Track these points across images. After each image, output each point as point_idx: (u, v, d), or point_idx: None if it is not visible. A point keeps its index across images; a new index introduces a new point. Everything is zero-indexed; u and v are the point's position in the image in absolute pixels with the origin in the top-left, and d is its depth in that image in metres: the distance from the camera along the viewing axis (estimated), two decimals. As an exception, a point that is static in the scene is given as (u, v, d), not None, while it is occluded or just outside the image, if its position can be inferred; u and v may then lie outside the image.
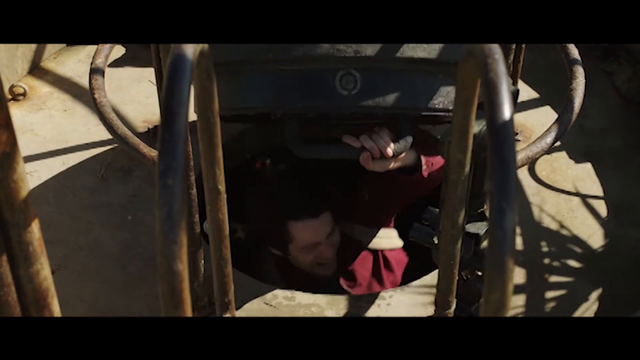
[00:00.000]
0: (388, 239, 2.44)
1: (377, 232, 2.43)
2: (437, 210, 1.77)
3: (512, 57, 2.05)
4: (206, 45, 1.17)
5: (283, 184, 2.30)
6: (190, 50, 1.06)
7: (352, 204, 2.44)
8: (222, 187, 1.47)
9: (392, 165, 2.01)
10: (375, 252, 2.45)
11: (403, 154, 2.00)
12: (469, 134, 1.38)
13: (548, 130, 2.04)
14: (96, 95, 2.14)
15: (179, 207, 0.98)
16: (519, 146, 2.62)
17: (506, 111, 1.00)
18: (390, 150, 1.94)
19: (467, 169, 1.42)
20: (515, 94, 1.68)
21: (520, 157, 1.97)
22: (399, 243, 2.50)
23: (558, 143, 2.86)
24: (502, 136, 0.99)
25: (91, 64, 2.25)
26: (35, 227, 1.24)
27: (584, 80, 2.18)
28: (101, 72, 2.22)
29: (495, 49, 1.07)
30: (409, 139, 1.98)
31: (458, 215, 1.49)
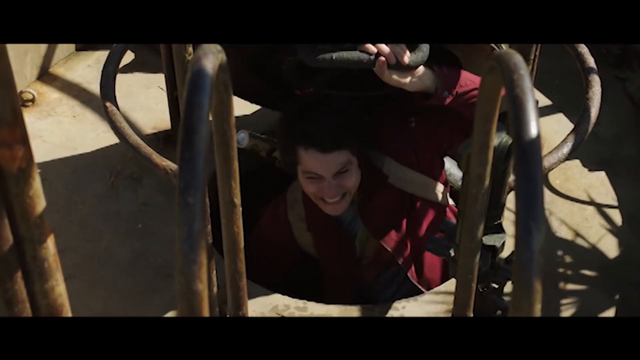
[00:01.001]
0: (423, 185, 2.28)
1: (413, 175, 2.28)
2: (454, 221, 1.74)
3: (530, 67, 2.02)
4: (225, 59, 1.15)
5: (311, 109, 2.16)
6: (210, 65, 1.05)
7: (390, 140, 2.29)
8: (237, 200, 1.45)
9: (409, 80, 1.95)
10: (405, 195, 2.29)
11: (421, 71, 1.95)
12: (490, 147, 1.36)
13: (564, 141, 2.02)
14: (107, 104, 2.12)
15: (199, 226, 0.96)
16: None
17: (533, 128, 0.98)
18: (406, 58, 1.89)
19: (487, 182, 1.40)
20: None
21: (537, 167, 1.94)
22: (434, 196, 2.32)
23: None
24: (529, 154, 0.97)
25: (102, 70, 2.23)
26: (50, 243, 1.23)
27: (600, 90, 2.15)
28: (112, 79, 2.20)
29: (521, 64, 1.05)
30: (426, 49, 1.92)
31: (477, 229, 1.46)
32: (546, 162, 1.97)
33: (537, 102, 1.77)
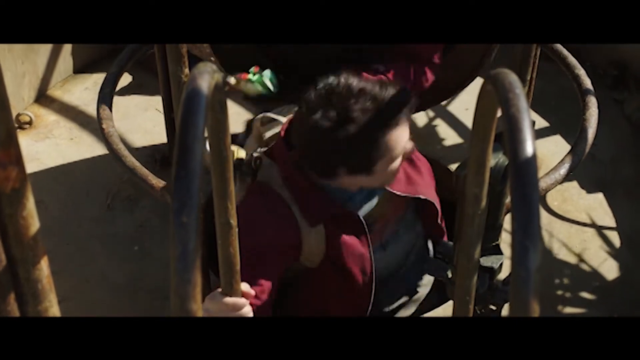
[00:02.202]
0: None
1: None
2: (451, 243, 1.74)
3: (526, 88, 2.02)
4: (221, 79, 1.15)
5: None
6: (205, 84, 1.04)
7: None
8: (233, 222, 1.44)
9: None
10: None
11: None
12: (486, 168, 1.35)
13: (562, 162, 2.02)
14: (104, 126, 2.12)
15: (193, 245, 0.96)
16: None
17: (529, 148, 0.98)
18: None
19: (484, 203, 1.39)
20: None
21: (534, 188, 1.93)
22: None
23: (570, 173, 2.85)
24: (525, 174, 0.97)
25: (99, 92, 2.23)
26: (44, 265, 1.22)
27: (597, 111, 2.16)
28: (109, 102, 2.20)
29: (516, 83, 1.05)
30: None
31: (474, 250, 1.45)
32: (543, 183, 1.96)
33: (533, 122, 1.77)
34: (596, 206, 2.71)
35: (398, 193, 2.05)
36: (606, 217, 2.67)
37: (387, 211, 2.10)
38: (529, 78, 1.98)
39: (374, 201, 2.06)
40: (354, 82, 1.81)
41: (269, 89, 2.26)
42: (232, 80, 2.20)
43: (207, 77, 1.06)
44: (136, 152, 2.93)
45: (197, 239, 0.97)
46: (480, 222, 1.44)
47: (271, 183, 1.94)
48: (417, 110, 2.53)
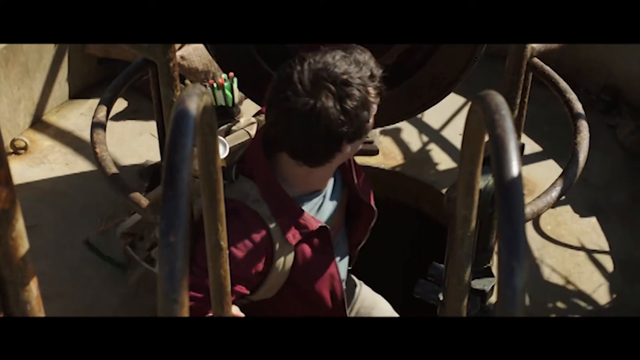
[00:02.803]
0: None
1: None
2: (442, 265, 1.74)
3: (516, 111, 2.04)
4: (209, 100, 1.16)
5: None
6: (194, 105, 1.05)
7: None
8: (224, 243, 1.44)
9: None
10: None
11: None
12: (475, 189, 1.35)
13: (553, 185, 2.02)
14: (97, 150, 2.12)
15: (181, 265, 0.96)
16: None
17: (514, 168, 0.99)
18: None
19: (473, 224, 1.40)
20: (520, 149, 1.67)
21: (525, 211, 1.94)
22: None
23: (562, 197, 2.86)
24: (510, 194, 0.97)
25: (93, 117, 2.24)
26: (33, 286, 1.22)
27: (588, 135, 2.16)
28: (103, 126, 2.20)
29: (503, 104, 1.06)
30: None
31: (464, 272, 1.45)
32: (535, 207, 1.97)
33: (523, 145, 1.78)
34: (589, 230, 2.72)
35: (360, 196, 2.11)
36: (599, 242, 2.68)
37: (337, 220, 2.13)
38: (518, 102, 1.99)
39: (334, 204, 2.08)
40: (320, 55, 1.83)
41: (227, 100, 2.16)
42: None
43: (195, 98, 1.07)
44: (130, 176, 2.93)
45: (185, 258, 0.97)
46: (470, 244, 1.44)
47: (246, 200, 1.91)
48: (417, 112, 2.53)
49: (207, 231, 1.44)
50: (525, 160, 3.02)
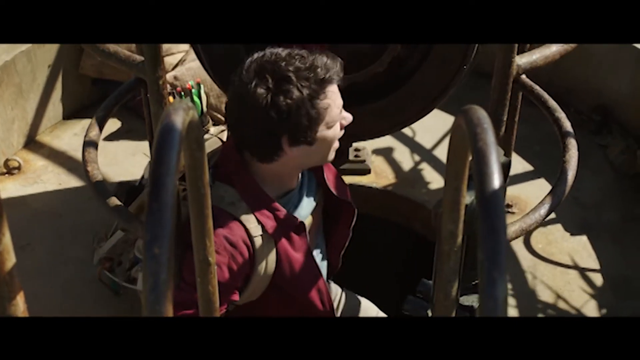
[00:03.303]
0: None
1: None
2: (430, 282, 1.75)
3: (503, 128, 2.05)
4: (196, 115, 1.17)
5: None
6: (179, 120, 1.06)
7: None
8: (212, 259, 1.45)
9: None
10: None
11: None
12: (461, 204, 1.36)
13: (542, 202, 2.03)
14: (89, 168, 2.13)
15: (165, 277, 0.97)
16: (514, 218, 2.61)
17: (496, 180, 1.00)
18: None
19: (459, 240, 1.41)
20: (506, 165, 1.68)
21: (514, 228, 1.96)
22: None
23: (553, 216, 2.87)
24: (491, 205, 0.98)
25: (84, 136, 2.25)
26: (20, 300, 1.22)
27: (577, 153, 2.17)
28: (94, 145, 2.22)
29: (485, 118, 1.07)
30: None
31: (451, 287, 1.46)
32: (523, 224, 1.98)
33: (509, 161, 1.79)
34: (580, 249, 2.73)
35: (335, 194, 2.10)
36: (590, 260, 2.69)
37: (315, 220, 2.13)
38: (505, 119, 2.01)
39: (311, 205, 2.08)
40: (281, 50, 1.84)
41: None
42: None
43: (181, 113, 1.08)
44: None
45: (169, 270, 0.98)
46: (456, 259, 1.45)
47: (220, 203, 1.91)
48: (408, 124, 2.55)
49: (195, 247, 1.44)
50: (517, 179, 3.04)
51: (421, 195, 2.97)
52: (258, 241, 1.90)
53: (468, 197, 1.53)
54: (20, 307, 1.20)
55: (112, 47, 1.76)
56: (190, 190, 1.36)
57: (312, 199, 2.09)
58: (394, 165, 3.11)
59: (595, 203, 2.94)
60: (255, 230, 1.91)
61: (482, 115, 1.09)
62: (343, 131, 1.93)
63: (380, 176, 3.06)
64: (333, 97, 1.85)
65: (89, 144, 2.22)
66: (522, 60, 1.84)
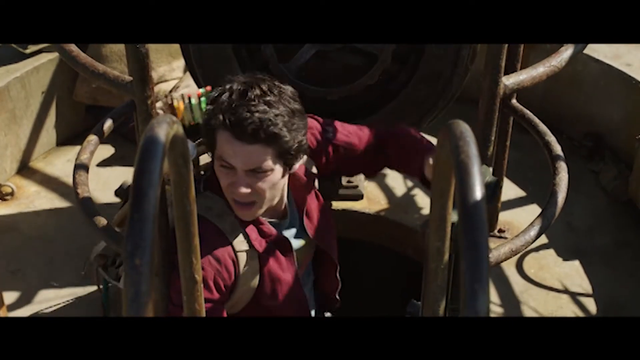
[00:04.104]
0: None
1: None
2: (419, 303, 1.74)
3: (491, 148, 2.05)
4: (181, 130, 1.18)
5: (245, 93, 1.85)
6: (163, 132, 1.06)
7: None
8: (198, 277, 1.45)
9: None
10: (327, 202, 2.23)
11: None
12: (447, 222, 1.36)
13: (532, 224, 2.03)
14: (79, 190, 2.13)
15: (146, 288, 0.96)
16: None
17: (477, 192, 1.00)
18: None
19: (446, 257, 1.40)
20: (496, 185, 1.68)
21: (504, 250, 1.96)
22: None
23: (545, 240, 2.87)
24: (473, 217, 0.98)
25: (76, 159, 2.25)
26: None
27: (567, 176, 2.18)
28: (86, 168, 2.22)
29: (467, 132, 1.07)
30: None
31: (439, 305, 1.46)
32: (513, 246, 1.97)
33: (498, 181, 1.79)
34: (572, 273, 2.72)
35: (316, 242, 2.12)
36: (582, 284, 2.68)
37: (306, 258, 2.16)
38: (493, 138, 2.01)
39: (301, 242, 2.10)
40: (265, 81, 1.87)
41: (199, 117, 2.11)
42: (175, 102, 2.10)
43: (165, 126, 1.08)
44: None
45: (150, 281, 0.98)
46: (444, 277, 1.45)
47: (207, 214, 1.93)
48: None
49: (181, 264, 1.44)
50: (509, 204, 3.04)
51: (414, 220, 2.97)
52: (242, 256, 1.92)
53: (455, 216, 1.53)
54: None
55: (101, 67, 1.77)
56: (176, 207, 1.36)
57: (300, 239, 2.11)
58: (387, 191, 3.11)
59: (587, 228, 2.94)
60: (241, 245, 1.92)
61: (464, 128, 1.09)
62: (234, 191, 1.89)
63: (372, 202, 3.06)
64: (222, 142, 1.86)
65: (80, 167, 2.22)
66: (510, 80, 1.85)
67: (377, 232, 3.06)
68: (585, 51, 3.36)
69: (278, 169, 1.89)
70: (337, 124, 2.14)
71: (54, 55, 3.35)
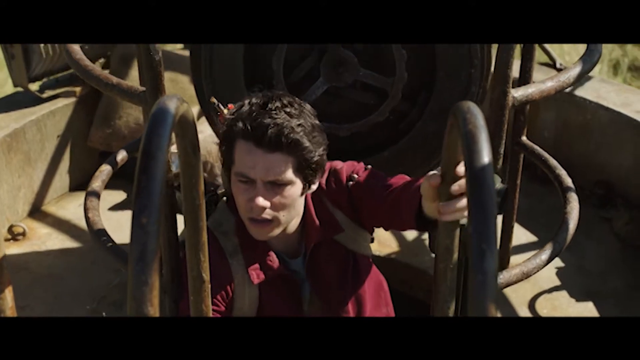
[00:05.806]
0: (362, 240, 2.03)
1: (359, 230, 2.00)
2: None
3: (501, 160, 2.03)
4: (191, 112, 1.19)
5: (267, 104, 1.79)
6: (173, 105, 1.08)
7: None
8: (206, 276, 1.43)
9: None
10: (349, 252, 2.01)
11: None
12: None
13: (543, 249, 2.02)
14: (90, 215, 2.14)
15: (152, 247, 0.96)
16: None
17: (485, 157, 1.00)
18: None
19: (455, 256, 1.39)
20: (504, 192, 1.67)
21: (515, 272, 1.94)
22: (368, 250, 2.08)
23: (558, 282, 2.84)
24: (481, 180, 0.98)
25: (87, 188, 2.27)
26: (8, 294, 1.22)
27: (577, 205, 2.18)
28: (97, 195, 2.23)
29: (474, 108, 1.08)
30: None
31: (448, 307, 1.44)
32: (525, 268, 1.96)
33: (506, 188, 1.77)
34: (585, 314, 2.68)
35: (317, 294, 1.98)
36: (596, 325, 2.64)
37: (315, 310, 2.01)
38: (502, 151, 2.01)
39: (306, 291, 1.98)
40: (286, 96, 1.81)
41: None
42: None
43: (175, 100, 1.10)
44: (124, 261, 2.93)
45: (157, 241, 0.98)
46: (453, 278, 1.43)
47: (216, 230, 1.89)
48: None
49: (189, 262, 1.43)
50: (521, 249, 3.02)
51: (424, 262, 2.95)
52: (239, 280, 1.86)
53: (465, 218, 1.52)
54: (8, 302, 1.20)
55: (115, 79, 1.80)
56: (185, 200, 1.35)
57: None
58: (397, 233, 3.10)
59: (600, 271, 2.92)
60: (237, 269, 1.86)
61: (471, 105, 1.10)
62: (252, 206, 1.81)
63: (383, 245, 3.05)
64: (256, 151, 1.76)
65: (91, 194, 2.24)
66: (518, 92, 1.86)
67: (388, 274, 3.04)
68: (594, 99, 3.39)
69: (298, 184, 1.81)
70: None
71: (70, 100, 3.40)
